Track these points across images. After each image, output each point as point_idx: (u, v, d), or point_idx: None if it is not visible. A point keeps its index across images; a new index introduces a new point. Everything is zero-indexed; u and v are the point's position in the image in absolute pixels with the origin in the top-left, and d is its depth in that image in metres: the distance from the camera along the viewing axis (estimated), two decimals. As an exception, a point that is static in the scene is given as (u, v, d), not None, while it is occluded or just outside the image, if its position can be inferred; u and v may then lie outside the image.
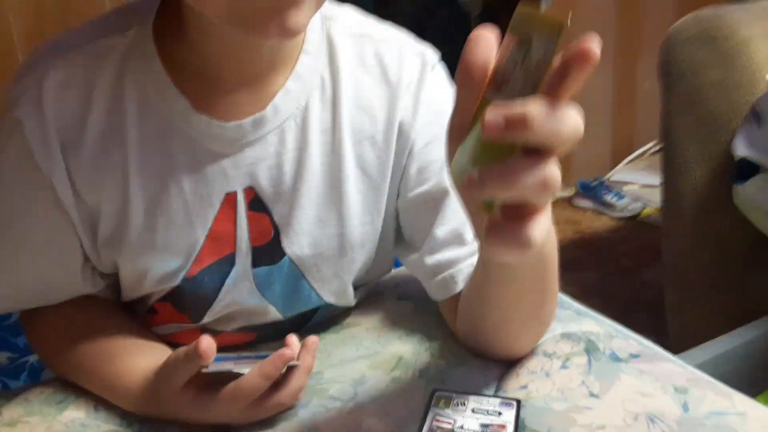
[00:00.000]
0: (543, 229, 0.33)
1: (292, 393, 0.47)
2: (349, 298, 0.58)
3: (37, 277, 0.52)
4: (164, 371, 0.46)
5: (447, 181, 0.52)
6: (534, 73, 0.30)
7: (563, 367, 0.51)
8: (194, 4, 0.42)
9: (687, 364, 0.53)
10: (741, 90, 0.93)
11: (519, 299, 0.47)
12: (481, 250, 0.44)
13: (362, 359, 0.54)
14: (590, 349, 0.53)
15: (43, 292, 0.53)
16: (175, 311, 0.54)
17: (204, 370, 0.45)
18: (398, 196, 0.54)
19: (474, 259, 0.51)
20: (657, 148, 2.35)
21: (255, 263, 0.52)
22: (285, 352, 0.44)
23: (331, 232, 0.52)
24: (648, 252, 1.89)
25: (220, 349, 0.45)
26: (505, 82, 0.31)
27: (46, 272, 0.52)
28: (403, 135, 0.52)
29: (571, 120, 0.31)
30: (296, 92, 0.49)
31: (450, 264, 0.52)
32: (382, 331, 0.58)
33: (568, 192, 2.39)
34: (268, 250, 0.52)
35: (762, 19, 1.00)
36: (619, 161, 2.56)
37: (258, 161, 0.49)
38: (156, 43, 0.47)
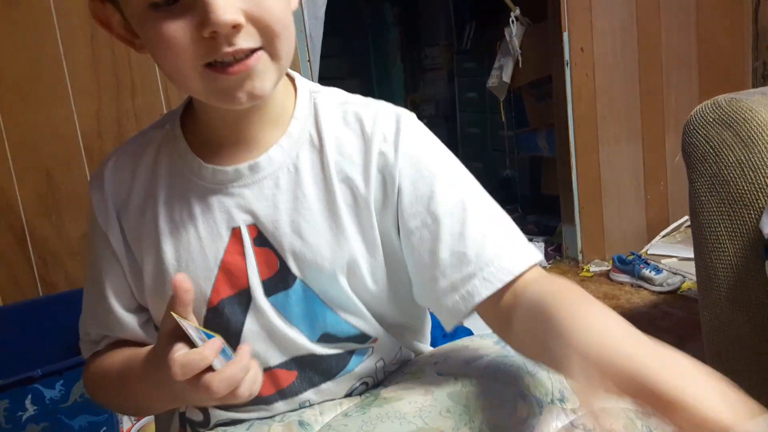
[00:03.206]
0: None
1: (224, 378, 0.49)
2: (373, 326, 0.63)
3: (108, 310, 0.64)
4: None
5: (439, 211, 0.59)
6: None
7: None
8: (180, 89, 0.57)
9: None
10: (763, 170, 0.97)
11: None
12: None
13: (405, 435, 0.56)
14: (629, 425, 0.55)
15: (114, 325, 0.64)
16: None
17: (176, 317, 0.50)
18: (399, 232, 0.62)
19: (486, 273, 0.57)
20: (692, 221, 2.35)
21: (269, 292, 0.60)
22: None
23: (334, 255, 0.60)
24: (691, 326, 1.86)
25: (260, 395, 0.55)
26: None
27: (113, 307, 0.63)
28: (388, 178, 0.61)
29: None
30: (288, 147, 0.61)
31: (463, 282, 0.58)
32: (423, 406, 0.60)
33: (605, 267, 2.39)
34: (280, 278, 0.60)
35: (780, 102, 1.04)
36: (654, 235, 2.55)
37: (256, 201, 0.60)
38: (182, 128, 0.64)
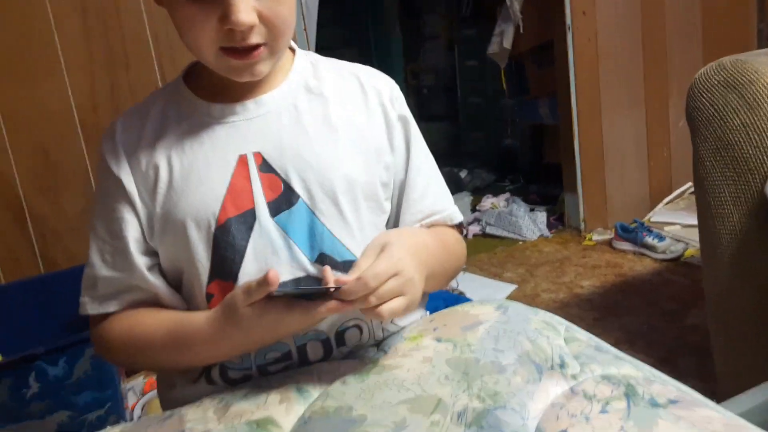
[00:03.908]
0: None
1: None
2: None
3: (121, 251, 0.67)
4: (234, 297, 0.59)
5: (412, 165, 0.74)
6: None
7: (603, 411, 0.52)
8: (195, 55, 0.66)
9: (726, 411, 0.53)
10: (769, 133, 0.95)
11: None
12: None
13: (403, 403, 0.56)
14: (630, 393, 0.54)
15: (125, 278, 0.68)
16: (224, 284, 0.65)
17: (273, 294, 0.56)
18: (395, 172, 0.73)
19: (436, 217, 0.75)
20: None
21: (274, 213, 0.66)
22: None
23: (334, 174, 0.67)
24: (693, 293, 1.85)
25: None
26: None
27: (128, 247, 0.67)
28: (388, 126, 0.72)
29: None
30: (287, 92, 0.70)
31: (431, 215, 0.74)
32: (422, 373, 0.60)
33: (607, 235, 2.38)
34: (284, 198, 0.67)
35: (787, 63, 1.02)
36: (657, 202, 2.54)
37: (261, 133, 0.68)
38: (187, 83, 0.71)
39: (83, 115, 1.62)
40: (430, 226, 0.75)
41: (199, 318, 0.63)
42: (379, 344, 0.70)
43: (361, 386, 0.59)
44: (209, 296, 0.66)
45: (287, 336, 0.65)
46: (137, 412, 1.43)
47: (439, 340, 0.65)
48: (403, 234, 0.66)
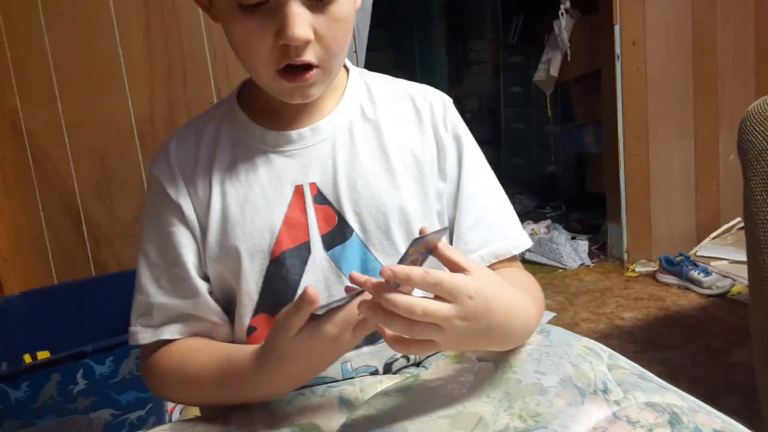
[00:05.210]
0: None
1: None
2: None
3: (184, 278, 0.66)
4: (275, 329, 0.55)
5: (465, 191, 0.70)
6: None
7: (645, 438, 0.52)
8: (250, 74, 0.65)
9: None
10: (825, 169, 0.93)
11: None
12: None
13: (444, 418, 0.56)
14: (674, 421, 0.53)
15: (180, 305, 0.66)
16: (271, 318, 0.63)
17: (316, 313, 0.52)
18: (445, 197, 0.70)
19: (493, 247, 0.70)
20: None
21: (328, 246, 0.65)
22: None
23: (388, 207, 0.66)
24: (739, 331, 1.80)
25: None
26: None
27: (190, 274, 0.66)
28: (440, 150, 0.70)
29: None
30: (341, 116, 0.69)
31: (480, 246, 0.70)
32: (463, 390, 0.60)
33: (651, 267, 2.33)
34: (338, 231, 0.66)
35: None
36: (704, 236, 2.48)
37: (317, 163, 0.67)
38: (240, 104, 0.70)
39: (141, 128, 1.70)
40: (495, 264, 0.70)
41: (247, 352, 0.60)
42: (420, 363, 0.70)
43: (403, 399, 0.60)
44: (251, 329, 0.66)
45: (346, 352, 0.58)
46: (176, 415, 1.46)
47: (480, 359, 0.65)
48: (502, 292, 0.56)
